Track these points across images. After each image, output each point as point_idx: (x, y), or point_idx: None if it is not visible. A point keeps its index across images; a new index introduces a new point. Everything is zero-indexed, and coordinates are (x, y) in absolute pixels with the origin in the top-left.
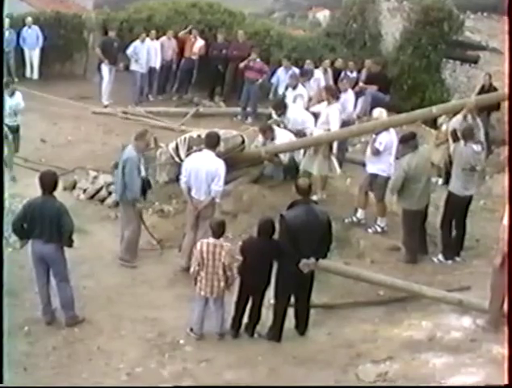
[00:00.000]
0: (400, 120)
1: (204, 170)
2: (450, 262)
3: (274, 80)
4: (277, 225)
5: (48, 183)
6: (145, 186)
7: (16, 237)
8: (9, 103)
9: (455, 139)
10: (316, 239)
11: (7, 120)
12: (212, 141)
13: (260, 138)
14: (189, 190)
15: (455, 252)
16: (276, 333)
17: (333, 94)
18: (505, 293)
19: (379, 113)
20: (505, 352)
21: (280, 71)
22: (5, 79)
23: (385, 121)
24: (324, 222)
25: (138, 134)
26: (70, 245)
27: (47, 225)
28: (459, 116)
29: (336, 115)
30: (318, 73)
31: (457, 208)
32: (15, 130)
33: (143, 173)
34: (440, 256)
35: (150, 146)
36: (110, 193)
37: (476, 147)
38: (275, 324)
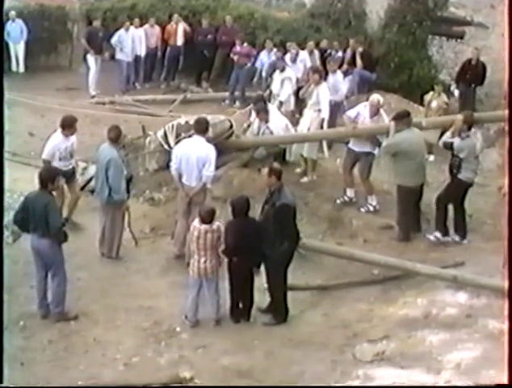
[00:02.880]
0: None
1: (195, 156)
2: (448, 238)
3: (258, 64)
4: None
5: (42, 178)
6: (129, 184)
7: (17, 228)
8: (63, 144)
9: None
10: None
11: (60, 164)
12: (202, 127)
13: (255, 123)
14: (180, 177)
15: (462, 233)
16: (282, 316)
17: (320, 74)
18: None
19: (377, 99)
20: (503, 326)
21: (263, 54)
22: (62, 117)
23: (374, 128)
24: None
25: (113, 133)
26: (62, 241)
27: (37, 220)
28: (448, 133)
29: (326, 94)
30: (304, 54)
31: (462, 195)
32: (70, 175)
33: (125, 171)
34: (437, 233)
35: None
36: None
37: (474, 131)
38: (279, 307)
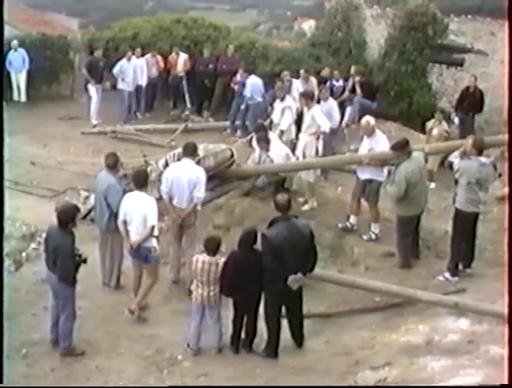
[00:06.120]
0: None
1: (186, 179)
2: (456, 279)
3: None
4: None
5: (61, 219)
6: None
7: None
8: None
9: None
10: (301, 254)
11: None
12: (191, 150)
13: (256, 152)
14: (170, 199)
15: (465, 264)
16: (272, 349)
17: (310, 97)
18: None
19: (366, 122)
20: (504, 352)
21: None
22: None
23: (376, 154)
24: (307, 236)
25: (111, 160)
26: (68, 283)
27: (49, 255)
28: (456, 153)
29: (320, 113)
30: (297, 82)
31: (465, 226)
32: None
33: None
34: (447, 274)
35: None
36: None
37: (484, 160)
38: (271, 340)
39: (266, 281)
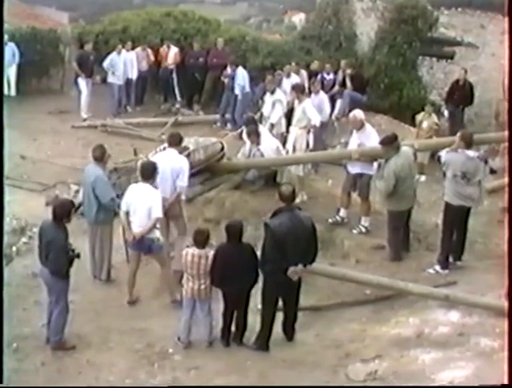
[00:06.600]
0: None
1: (169, 168)
2: (446, 271)
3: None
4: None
5: (56, 213)
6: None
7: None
8: None
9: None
10: (303, 245)
11: None
12: (175, 140)
13: (247, 145)
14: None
15: (455, 257)
16: (263, 342)
17: (301, 90)
18: None
19: (354, 116)
20: (495, 344)
21: None
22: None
23: (365, 150)
24: (309, 228)
25: (98, 152)
26: (61, 277)
27: (41, 249)
28: (448, 149)
29: (311, 107)
30: (295, 76)
31: (454, 219)
32: None
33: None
34: (437, 267)
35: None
36: None
37: (472, 153)
38: (262, 333)
39: (267, 272)
